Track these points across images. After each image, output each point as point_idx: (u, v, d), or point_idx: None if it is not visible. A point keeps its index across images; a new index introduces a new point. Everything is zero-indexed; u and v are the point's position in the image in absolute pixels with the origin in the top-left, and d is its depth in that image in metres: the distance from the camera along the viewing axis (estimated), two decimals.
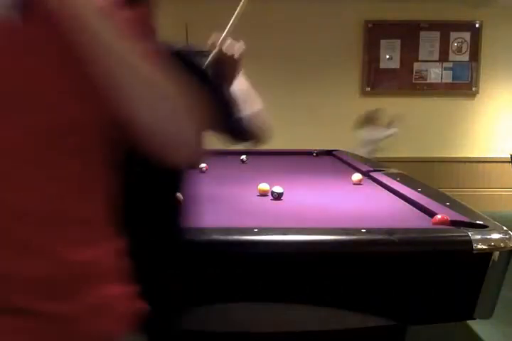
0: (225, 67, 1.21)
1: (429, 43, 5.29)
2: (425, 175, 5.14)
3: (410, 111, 5.40)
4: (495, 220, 1.67)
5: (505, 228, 1.57)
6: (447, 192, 2.33)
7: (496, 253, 1.47)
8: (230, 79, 1.21)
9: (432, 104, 5.39)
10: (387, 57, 5.31)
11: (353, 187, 2.56)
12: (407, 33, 5.26)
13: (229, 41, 1.24)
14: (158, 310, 1.50)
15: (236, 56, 1.21)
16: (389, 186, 2.45)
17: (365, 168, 3.04)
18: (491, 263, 1.47)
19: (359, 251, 1.48)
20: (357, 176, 2.64)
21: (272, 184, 2.29)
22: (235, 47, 1.22)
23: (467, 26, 5.27)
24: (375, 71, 5.33)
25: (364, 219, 1.86)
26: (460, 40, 5.27)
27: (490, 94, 5.37)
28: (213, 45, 1.27)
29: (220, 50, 1.23)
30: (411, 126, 5.42)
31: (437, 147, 5.44)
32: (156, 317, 1.48)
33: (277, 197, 2.19)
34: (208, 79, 1.14)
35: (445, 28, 5.27)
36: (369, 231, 1.52)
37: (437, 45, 5.29)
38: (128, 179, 0.82)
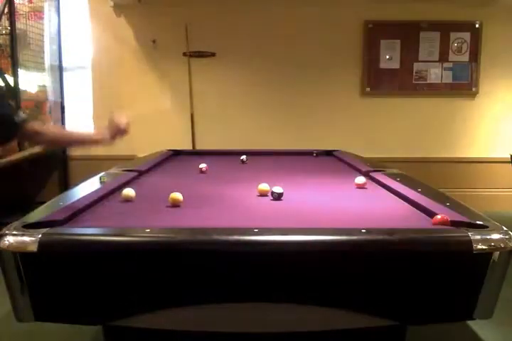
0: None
1: (429, 43, 5.28)
2: (425, 175, 5.15)
3: (410, 111, 5.41)
4: (495, 220, 1.67)
5: (505, 228, 1.57)
6: (447, 192, 2.33)
7: (496, 254, 1.47)
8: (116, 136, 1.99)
9: (432, 104, 5.39)
10: (387, 57, 5.31)
11: (352, 187, 2.55)
12: (407, 33, 5.26)
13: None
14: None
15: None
16: (389, 186, 2.45)
17: (365, 169, 3.04)
18: (491, 263, 1.47)
19: (359, 251, 1.48)
20: (360, 179, 2.56)
21: (272, 184, 2.29)
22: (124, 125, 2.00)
23: (467, 26, 5.26)
24: (375, 71, 5.32)
25: (364, 219, 1.86)
26: (460, 40, 5.27)
27: (490, 94, 5.37)
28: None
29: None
30: (411, 126, 5.42)
31: (437, 147, 5.44)
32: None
33: (277, 197, 2.19)
34: None
35: (445, 28, 5.26)
36: (369, 231, 1.52)
37: (437, 45, 5.28)
38: None
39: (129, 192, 2.19)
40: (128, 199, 2.16)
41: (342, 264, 1.47)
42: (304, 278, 1.47)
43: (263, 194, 2.28)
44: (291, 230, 1.55)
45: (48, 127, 1.97)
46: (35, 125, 1.89)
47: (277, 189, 2.20)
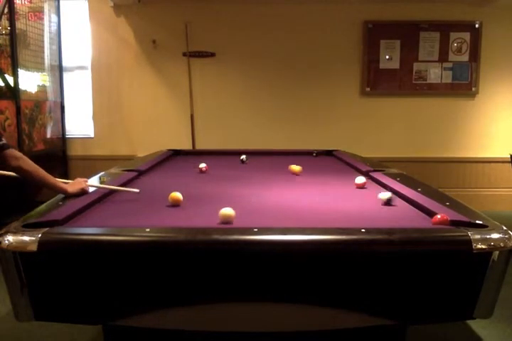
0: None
1: (428, 43, 5.28)
2: (425, 175, 5.16)
3: (410, 111, 5.41)
4: (495, 220, 1.67)
5: (505, 228, 1.57)
6: (447, 192, 2.33)
7: (496, 253, 1.47)
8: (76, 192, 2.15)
9: (432, 104, 5.39)
10: (387, 57, 5.31)
11: (352, 187, 2.55)
12: (407, 33, 5.27)
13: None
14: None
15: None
16: (389, 186, 2.45)
17: (365, 168, 3.04)
18: (490, 263, 1.47)
19: (359, 251, 1.48)
20: (360, 179, 2.56)
21: (271, 184, 2.29)
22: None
23: (467, 26, 5.27)
24: (375, 71, 5.33)
25: (364, 219, 1.86)
26: (460, 40, 5.27)
27: (490, 94, 5.37)
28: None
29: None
30: (411, 126, 5.42)
31: (437, 147, 5.44)
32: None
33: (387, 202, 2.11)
34: None
35: (445, 28, 5.26)
36: (369, 231, 1.52)
37: (437, 45, 5.28)
38: None
39: (177, 195, 2.07)
40: (175, 204, 2.05)
41: (342, 264, 1.47)
42: (304, 277, 1.47)
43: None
44: (290, 230, 1.54)
45: (26, 158, 2.09)
46: (14, 151, 2.05)
47: (385, 195, 2.13)
